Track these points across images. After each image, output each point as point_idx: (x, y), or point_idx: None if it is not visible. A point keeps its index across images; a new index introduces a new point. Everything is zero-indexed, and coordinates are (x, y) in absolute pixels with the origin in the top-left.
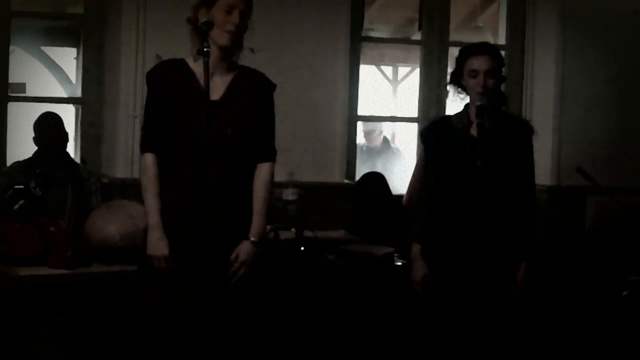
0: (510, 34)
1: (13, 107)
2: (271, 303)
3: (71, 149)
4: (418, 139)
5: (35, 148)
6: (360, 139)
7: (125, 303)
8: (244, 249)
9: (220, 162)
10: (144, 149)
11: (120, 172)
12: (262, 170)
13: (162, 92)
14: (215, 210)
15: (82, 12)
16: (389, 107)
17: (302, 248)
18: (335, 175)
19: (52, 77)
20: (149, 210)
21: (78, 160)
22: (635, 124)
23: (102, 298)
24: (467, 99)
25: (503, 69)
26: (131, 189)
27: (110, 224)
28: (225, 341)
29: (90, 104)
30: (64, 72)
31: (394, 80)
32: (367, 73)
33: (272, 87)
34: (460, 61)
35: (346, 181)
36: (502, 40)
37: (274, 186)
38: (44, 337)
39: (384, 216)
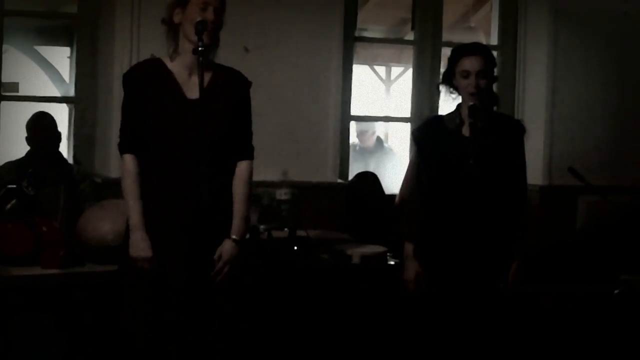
0: (502, 35)
1: (6, 107)
2: (261, 301)
3: (64, 148)
4: (410, 139)
5: (28, 148)
6: (353, 139)
7: (118, 302)
8: (226, 248)
9: (200, 160)
10: (123, 150)
11: (114, 171)
12: (241, 169)
13: (140, 93)
14: (196, 209)
15: (75, 11)
16: (382, 107)
17: (295, 248)
18: (329, 175)
19: (46, 76)
20: (130, 211)
21: (71, 160)
22: (626, 125)
23: (95, 297)
24: (459, 99)
25: (495, 69)
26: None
27: (103, 223)
28: (209, 340)
29: (84, 104)
30: (58, 71)
31: (387, 80)
32: (360, 73)
33: (249, 84)
34: (452, 61)
35: (339, 181)
36: (494, 41)
37: (267, 186)
38: (37, 337)
39: (377, 216)
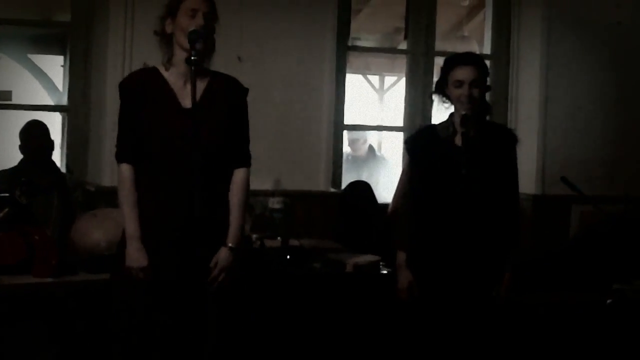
0: (495, 44)
1: None
2: (255, 310)
3: (57, 156)
4: (403, 148)
5: (21, 156)
6: (345, 148)
7: (109, 310)
8: (222, 255)
9: (196, 168)
10: (120, 159)
11: (107, 180)
12: (238, 176)
13: (136, 102)
14: (193, 217)
15: (69, 19)
16: (375, 116)
17: (288, 257)
18: (321, 184)
19: (39, 84)
20: (127, 221)
21: (64, 169)
22: (619, 134)
23: (87, 306)
24: (452, 109)
25: (488, 79)
26: (117, 197)
27: (96, 231)
28: (203, 348)
29: (77, 112)
30: (51, 79)
31: (380, 89)
32: (354, 82)
33: (245, 91)
34: (445, 71)
35: (332, 190)
36: (487, 50)
37: (260, 194)
38: (29, 346)
39: (370, 225)
